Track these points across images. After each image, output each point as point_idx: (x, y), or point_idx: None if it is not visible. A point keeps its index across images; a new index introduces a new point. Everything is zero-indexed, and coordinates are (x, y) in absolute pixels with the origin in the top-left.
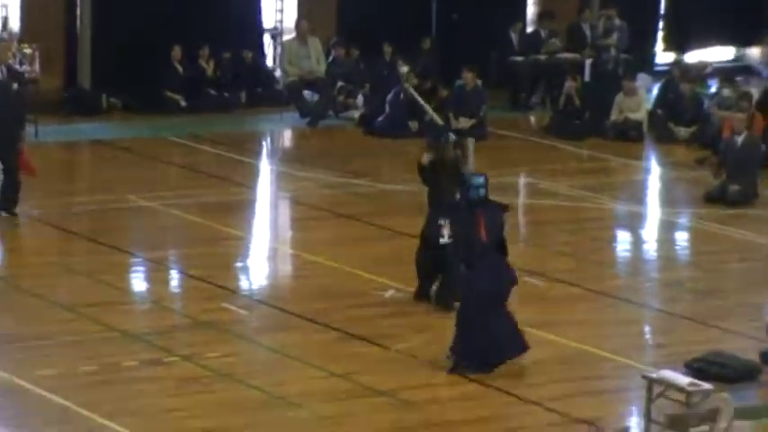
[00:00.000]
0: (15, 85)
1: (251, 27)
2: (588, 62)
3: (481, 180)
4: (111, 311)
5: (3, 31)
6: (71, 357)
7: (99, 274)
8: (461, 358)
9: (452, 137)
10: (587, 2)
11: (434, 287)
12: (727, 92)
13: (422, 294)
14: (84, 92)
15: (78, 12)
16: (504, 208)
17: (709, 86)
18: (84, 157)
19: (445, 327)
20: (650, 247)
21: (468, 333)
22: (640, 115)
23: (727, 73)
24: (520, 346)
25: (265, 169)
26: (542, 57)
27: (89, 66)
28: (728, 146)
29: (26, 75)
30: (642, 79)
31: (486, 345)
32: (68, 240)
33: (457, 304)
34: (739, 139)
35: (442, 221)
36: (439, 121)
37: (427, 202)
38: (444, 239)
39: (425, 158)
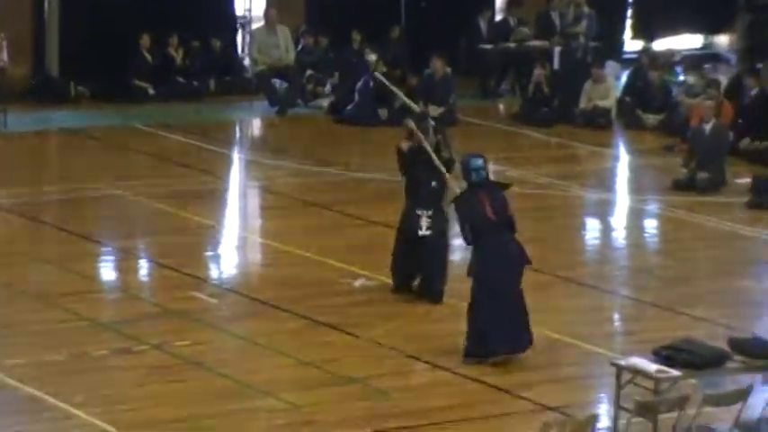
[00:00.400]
0: None
1: (221, 15)
2: (557, 50)
3: (480, 162)
4: (80, 300)
5: None
6: (41, 347)
7: (68, 264)
8: (467, 341)
9: (432, 122)
10: None
11: (416, 282)
12: (692, 79)
13: (399, 288)
14: (52, 80)
15: None
16: (505, 186)
17: (677, 74)
18: (53, 146)
19: (414, 315)
20: (619, 235)
21: (475, 316)
22: (609, 103)
23: (695, 61)
24: (522, 342)
25: (235, 158)
26: (511, 45)
27: (57, 54)
28: (697, 134)
29: None
30: (611, 67)
31: (488, 331)
32: (37, 229)
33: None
34: (707, 127)
35: (420, 212)
36: (414, 106)
37: (404, 192)
38: (423, 231)
39: (405, 145)
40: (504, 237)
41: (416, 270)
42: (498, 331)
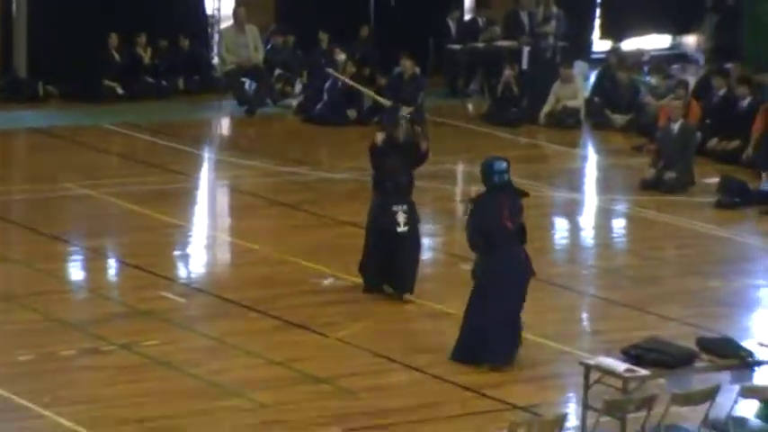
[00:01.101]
0: None
1: (190, 15)
2: (526, 50)
3: (504, 165)
4: (48, 300)
5: None
6: (8, 346)
7: (36, 263)
8: (455, 349)
9: (407, 114)
10: None
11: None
12: (655, 80)
13: (372, 288)
14: (20, 80)
15: None
16: (524, 194)
17: (645, 74)
18: (21, 146)
19: (384, 314)
20: (587, 235)
21: (472, 322)
22: (577, 103)
23: (663, 61)
24: (512, 357)
25: (204, 157)
26: (480, 45)
27: (25, 53)
28: (665, 133)
29: None
30: (579, 67)
31: (485, 339)
32: (5, 229)
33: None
34: (675, 127)
35: (396, 208)
36: (383, 101)
37: (375, 188)
38: (402, 228)
39: (379, 137)
40: (515, 246)
41: (391, 267)
42: (493, 340)
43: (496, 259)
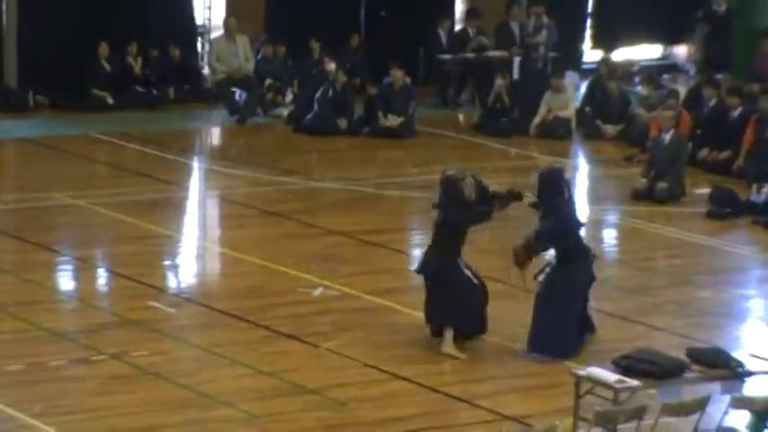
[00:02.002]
0: None
1: (180, 24)
2: (517, 60)
3: (563, 170)
4: (38, 310)
5: None
6: None
7: (25, 273)
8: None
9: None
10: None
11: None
12: (647, 90)
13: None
14: (10, 90)
15: (4, 8)
16: None
17: (636, 85)
18: (11, 155)
19: (373, 325)
20: None
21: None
22: (568, 113)
23: (653, 71)
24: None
25: (194, 167)
26: (470, 55)
27: (15, 63)
28: (656, 144)
29: None
30: (570, 77)
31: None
32: None
33: None
34: (666, 138)
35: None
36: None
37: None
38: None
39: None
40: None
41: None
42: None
43: (583, 260)
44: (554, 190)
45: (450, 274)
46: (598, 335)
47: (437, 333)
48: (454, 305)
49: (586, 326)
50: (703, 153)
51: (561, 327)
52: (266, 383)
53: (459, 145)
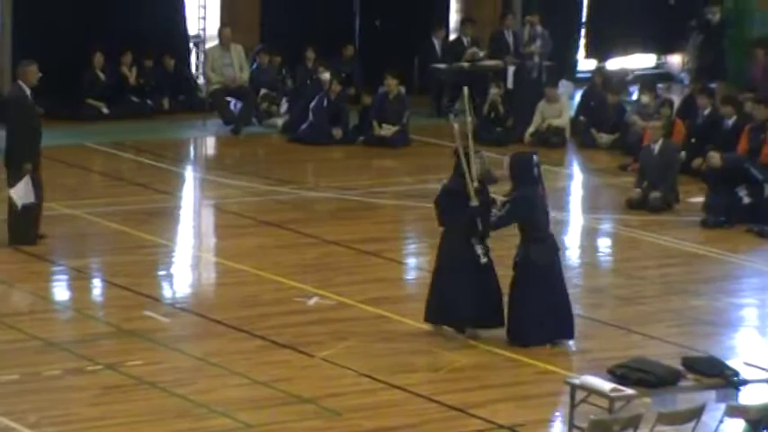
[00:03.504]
0: (40, 110)
1: (175, 34)
2: (511, 69)
3: (537, 157)
4: (33, 320)
5: None
6: None
7: (20, 283)
8: (518, 334)
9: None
10: (510, 9)
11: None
12: (645, 99)
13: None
14: (5, 100)
15: None
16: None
17: (630, 94)
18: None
19: (369, 334)
20: (573, 254)
21: (527, 305)
22: (563, 122)
23: (648, 80)
24: (569, 329)
25: (189, 177)
26: (465, 64)
27: (9, 73)
28: (646, 154)
29: None
30: (564, 86)
31: (544, 320)
32: None
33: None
34: (656, 147)
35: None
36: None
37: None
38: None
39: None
40: (549, 230)
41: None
42: (550, 319)
43: (547, 245)
44: (524, 174)
45: None
46: (594, 343)
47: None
48: None
49: (563, 326)
50: (698, 162)
51: (518, 309)
52: (261, 393)
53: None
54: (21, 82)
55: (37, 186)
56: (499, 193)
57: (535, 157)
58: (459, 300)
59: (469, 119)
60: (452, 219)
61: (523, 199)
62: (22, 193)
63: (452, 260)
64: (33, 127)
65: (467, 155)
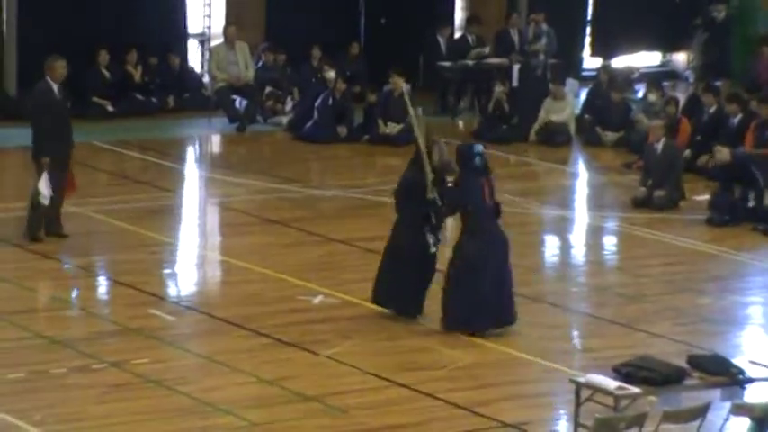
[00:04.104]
0: (68, 104)
1: (177, 32)
2: (516, 67)
3: (481, 147)
4: (38, 318)
5: None
6: None
7: (26, 281)
8: (449, 321)
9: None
10: (515, 7)
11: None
12: (652, 97)
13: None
14: (10, 99)
15: (4, 17)
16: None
17: (635, 92)
18: (10, 164)
19: (373, 332)
20: (578, 252)
21: (456, 295)
22: (562, 117)
23: (653, 78)
24: (511, 316)
25: (194, 175)
26: (470, 62)
27: (15, 72)
28: (650, 152)
29: None
30: (569, 84)
31: (473, 307)
32: None
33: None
34: (659, 146)
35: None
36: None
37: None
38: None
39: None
40: (493, 222)
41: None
42: (485, 308)
43: (482, 236)
44: (465, 163)
45: None
46: (599, 342)
47: None
48: None
49: (504, 313)
50: (703, 159)
51: (454, 295)
52: (267, 391)
53: None
54: (48, 78)
55: (57, 184)
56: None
57: (478, 147)
58: (403, 290)
59: (420, 110)
60: (407, 207)
61: (456, 189)
62: (42, 187)
63: (401, 248)
64: (57, 123)
65: (428, 147)
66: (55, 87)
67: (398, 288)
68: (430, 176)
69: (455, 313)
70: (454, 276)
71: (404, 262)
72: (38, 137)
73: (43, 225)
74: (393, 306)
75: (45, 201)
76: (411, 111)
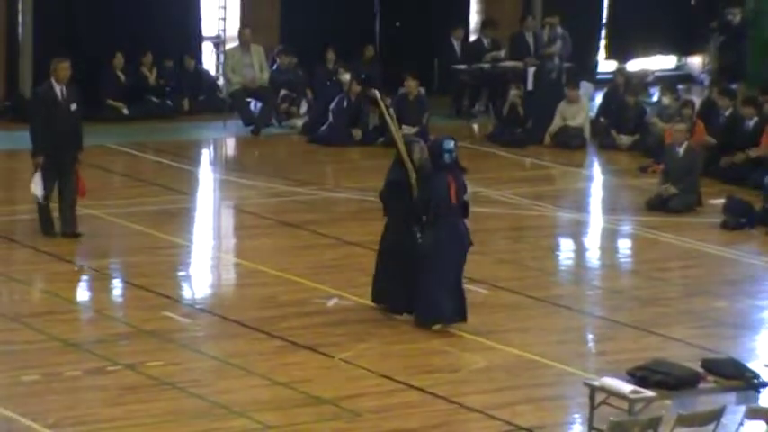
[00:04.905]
0: (74, 106)
1: (192, 35)
2: (531, 71)
3: (452, 144)
4: (53, 320)
5: None
6: (13, 367)
7: (40, 283)
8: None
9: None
10: (530, 10)
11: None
12: (667, 101)
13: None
14: (25, 101)
15: (20, 20)
16: (464, 170)
17: (650, 95)
18: (26, 166)
19: (388, 335)
20: (593, 255)
21: (422, 288)
22: (580, 121)
23: (667, 82)
24: (463, 312)
25: (209, 177)
26: (485, 65)
27: (31, 74)
28: (671, 155)
29: None
30: (584, 87)
31: (437, 301)
32: (9, 249)
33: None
34: (680, 150)
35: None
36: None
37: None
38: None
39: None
40: (457, 219)
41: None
42: (444, 301)
43: (442, 232)
44: (433, 159)
45: None
46: (613, 345)
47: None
48: None
49: (455, 309)
50: (725, 161)
51: (433, 293)
52: (281, 394)
53: (474, 155)
54: (52, 79)
55: (65, 185)
56: None
57: (448, 144)
58: (395, 288)
59: (392, 111)
60: (395, 208)
61: (420, 183)
62: (35, 186)
63: (393, 247)
64: (57, 124)
65: (407, 145)
66: (57, 88)
67: (389, 285)
68: (413, 176)
69: (417, 303)
70: (418, 269)
71: (394, 261)
72: (33, 136)
73: (53, 221)
74: (386, 303)
75: (39, 200)
76: (385, 111)
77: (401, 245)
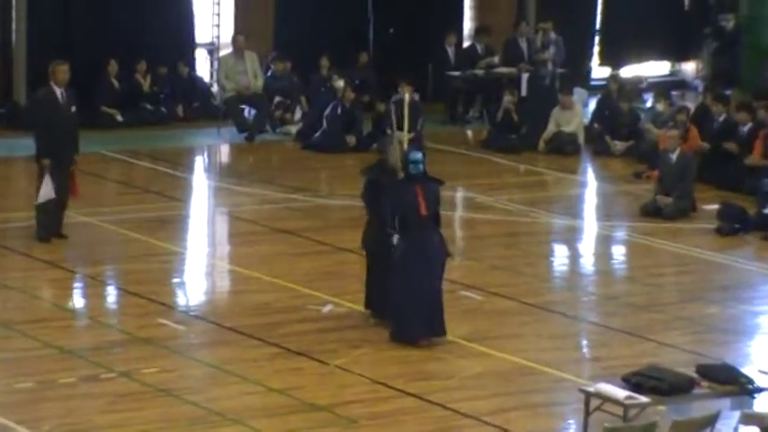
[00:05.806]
0: (73, 108)
1: (186, 41)
2: (525, 77)
3: (419, 156)
4: (47, 328)
5: None
6: (7, 374)
7: (35, 290)
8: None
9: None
10: (523, 16)
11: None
12: (660, 107)
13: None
14: (19, 108)
15: (13, 27)
16: (440, 182)
17: (644, 101)
18: (20, 173)
19: (383, 341)
20: (587, 261)
21: (395, 303)
22: (574, 128)
23: (662, 88)
24: (441, 328)
25: (203, 184)
26: (479, 71)
27: (24, 81)
28: (665, 162)
29: None
30: (578, 93)
31: (411, 318)
32: (3, 256)
33: None
34: (674, 156)
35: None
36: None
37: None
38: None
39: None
40: (429, 230)
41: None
42: (419, 318)
43: (413, 243)
44: (404, 168)
45: None
46: (608, 351)
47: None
48: None
49: (435, 323)
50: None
51: (405, 308)
52: (276, 401)
53: (468, 161)
54: (51, 82)
55: (60, 186)
56: None
57: (415, 155)
58: (373, 291)
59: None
60: (374, 209)
61: (394, 194)
62: (42, 189)
63: (374, 248)
64: (58, 126)
65: (383, 147)
66: (57, 91)
67: (371, 290)
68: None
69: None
70: (388, 281)
71: (377, 263)
72: (37, 139)
73: (51, 227)
74: (369, 307)
75: (42, 200)
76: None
77: (380, 244)
